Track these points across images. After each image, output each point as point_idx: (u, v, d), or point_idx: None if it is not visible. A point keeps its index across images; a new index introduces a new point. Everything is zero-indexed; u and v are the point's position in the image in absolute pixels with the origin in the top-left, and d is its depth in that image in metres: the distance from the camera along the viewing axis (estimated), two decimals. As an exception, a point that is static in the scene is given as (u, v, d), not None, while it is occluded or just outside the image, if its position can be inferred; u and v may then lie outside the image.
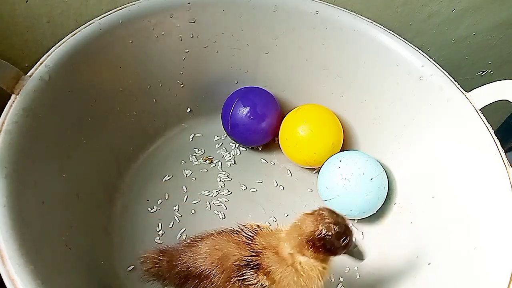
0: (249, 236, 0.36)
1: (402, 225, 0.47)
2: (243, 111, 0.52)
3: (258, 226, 0.38)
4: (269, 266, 0.34)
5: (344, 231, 0.33)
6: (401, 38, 0.47)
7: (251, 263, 0.35)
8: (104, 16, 0.44)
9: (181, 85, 0.54)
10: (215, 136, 0.57)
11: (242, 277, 0.35)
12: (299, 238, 0.33)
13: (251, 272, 0.35)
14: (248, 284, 0.35)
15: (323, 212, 0.33)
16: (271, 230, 0.37)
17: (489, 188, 0.38)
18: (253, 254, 0.35)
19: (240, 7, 0.49)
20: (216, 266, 0.35)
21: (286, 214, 0.51)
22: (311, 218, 0.33)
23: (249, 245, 0.36)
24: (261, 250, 0.35)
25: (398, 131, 0.49)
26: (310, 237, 0.33)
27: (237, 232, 0.37)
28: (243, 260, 0.35)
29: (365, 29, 0.48)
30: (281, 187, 0.54)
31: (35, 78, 0.37)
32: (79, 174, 0.43)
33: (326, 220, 0.33)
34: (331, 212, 0.34)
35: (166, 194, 0.51)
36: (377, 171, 0.48)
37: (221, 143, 0.57)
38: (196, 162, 0.54)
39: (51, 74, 0.38)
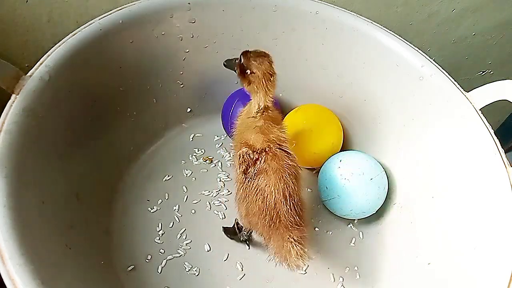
0: None
1: (402, 225, 0.47)
2: (243, 111, 0.52)
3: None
4: None
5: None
6: (401, 38, 0.47)
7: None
8: (104, 16, 0.44)
9: (181, 85, 0.54)
10: (215, 136, 0.57)
11: None
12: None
13: None
14: None
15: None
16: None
17: (489, 188, 0.38)
18: None
19: (240, 7, 0.49)
20: None
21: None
22: None
23: None
24: None
25: (398, 131, 0.49)
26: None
27: None
28: None
29: (365, 29, 0.48)
30: (281, 187, 0.54)
31: (35, 78, 0.37)
32: (79, 174, 0.43)
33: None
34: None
35: (166, 194, 0.51)
36: (377, 171, 0.48)
37: (221, 143, 0.57)
38: (196, 162, 0.54)
39: (51, 74, 0.38)
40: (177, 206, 0.50)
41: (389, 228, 0.49)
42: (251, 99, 0.40)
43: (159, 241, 0.47)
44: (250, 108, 0.40)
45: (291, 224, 0.37)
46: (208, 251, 0.47)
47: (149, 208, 0.49)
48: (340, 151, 0.53)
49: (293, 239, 0.37)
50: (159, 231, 0.47)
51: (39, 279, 0.29)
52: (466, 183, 0.41)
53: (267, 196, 0.37)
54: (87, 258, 0.40)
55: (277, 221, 0.37)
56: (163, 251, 0.46)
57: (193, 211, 0.50)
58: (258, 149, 0.38)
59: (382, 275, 0.46)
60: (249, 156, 0.38)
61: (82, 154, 0.44)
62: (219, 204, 0.51)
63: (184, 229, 0.48)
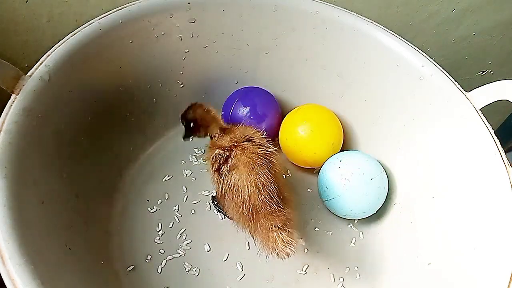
0: None
1: (402, 225, 0.47)
2: (243, 111, 0.52)
3: None
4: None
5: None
6: (401, 38, 0.47)
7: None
8: (104, 16, 0.44)
9: (181, 85, 0.54)
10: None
11: None
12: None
13: None
14: None
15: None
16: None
17: (489, 188, 0.38)
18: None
19: (240, 7, 0.49)
20: None
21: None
22: None
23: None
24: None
25: (398, 131, 0.49)
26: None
27: None
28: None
29: (365, 29, 0.48)
30: (281, 187, 0.54)
31: (35, 78, 0.37)
32: (79, 174, 0.43)
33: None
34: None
35: (166, 194, 0.51)
36: (377, 171, 0.48)
37: (221, 143, 0.57)
38: (196, 162, 0.54)
39: (51, 74, 0.38)
40: (177, 206, 0.50)
41: (389, 228, 0.49)
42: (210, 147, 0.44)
43: (159, 241, 0.47)
44: (211, 142, 0.44)
45: (270, 213, 0.36)
46: (208, 251, 0.47)
47: (149, 208, 0.49)
48: (340, 151, 0.53)
49: (277, 227, 0.36)
50: (159, 231, 0.47)
51: (39, 279, 0.29)
52: (466, 183, 0.41)
53: (241, 191, 0.37)
54: (87, 258, 0.40)
55: (255, 214, 0.37)
56: (163, 251, 0.46)
57: (193, 211, 0.50)
58: (227, 147, 0.40)
59: (382, 275, 0.46)
60: (220, 155, 0.40)
61: (82, 154, 0.44)
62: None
63: (184, 229, 0.48)
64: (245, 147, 0.40)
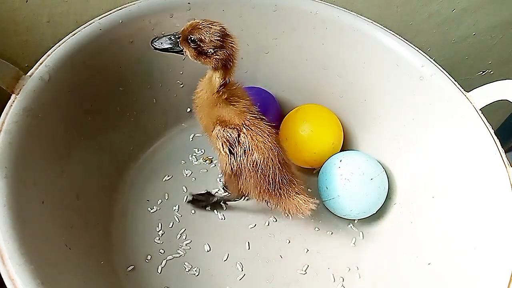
0: None
1: (402, 225, 0.47)
2: (243, 111, 0.52)
3: None
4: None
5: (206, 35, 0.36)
6: (401, 38, 0.47)
7: None
8: (104, 16, 0.44)
9: (181, 85, 0.54)
10: (215, 136, 0.57)
11: None
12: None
13: None
14: None
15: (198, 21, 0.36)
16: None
17: (489, 188, 0.38)
18: None
19: (240, 7, 0.49)
20: None
21: (286, 214, 0.51)
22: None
23: None
24: None
25: (398, 131, 0.49)
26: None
27: None
28: None
29: (365, 29, 0.48)
30: (281, 187, 0.54)
31: (35, 78, 0.37)
32: (79, 174, 0.43)
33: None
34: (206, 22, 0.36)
35: (166, 194, 0.51)
36: (377, 171, 0.48)
37: (221, 143, 0.57)
38: (196, 162, 0.54)
39: (51, 74, 0.38)
40: (177, 206, 0.50)
41: (389, 228, 0.49)
42: (208, 73, 0.40)
43: (159, 241, 0.47)
44: (210, 84, 0.40)
45: (289, 183, 0.41)
46: (208, 251, 0.47)
47: (149, 208, 0.49)
48: (340, 151, 0.53)
49: (296, 192, 0.41)
50: (159, 231, 0.47)
51: (39, 279, 0.29)
52: (466, 183, 0.41)
53: (265, 168, 0.40)
54: (87, 258, 0.40)
55: (277, 187, 0.41)
56: (163, 251, 0.46)
57: (193, 211, 0.50)
58: (237, 124, 0.40)
59: (382, 275, 0.46)
60: (230, 135, 0.40)
61: (82, 154, 0.44)
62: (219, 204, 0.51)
63: (184, 229, 0.48)
64: (255, 124, 0.40)
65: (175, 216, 0.49)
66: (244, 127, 0.40)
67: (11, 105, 0.35)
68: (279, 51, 0.53)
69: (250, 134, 0.39)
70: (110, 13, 0.44)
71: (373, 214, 0.49)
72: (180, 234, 0.47)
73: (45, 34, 0.52)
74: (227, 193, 0.50)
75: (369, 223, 0.51)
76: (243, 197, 0.48)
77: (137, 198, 0.50)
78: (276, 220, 0.50)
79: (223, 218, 0.50)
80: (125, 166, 0.51)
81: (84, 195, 0.43)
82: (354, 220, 0.51)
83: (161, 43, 0.38)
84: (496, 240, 0.36)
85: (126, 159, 0.51)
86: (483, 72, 0.73)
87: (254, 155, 0.39)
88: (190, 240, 0.47)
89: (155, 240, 0.47)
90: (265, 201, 0.43)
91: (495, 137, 0.40)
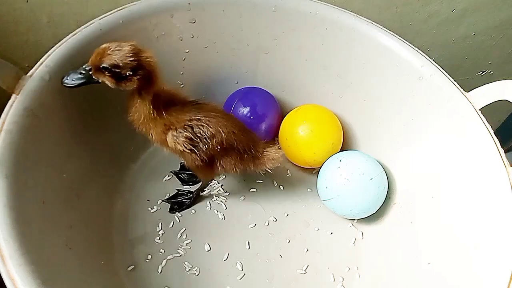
0: None
1: (402, 225, 0.47)
2: (243, 111, 0.52)
3: None
4: None
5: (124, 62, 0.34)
6: (401, 38, 0.47)
7: None
8: (105, 16, 0.44)
9: (181, 85, 0.54)
10: (215, 136, 0.57)
11: None
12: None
13: None
14: None
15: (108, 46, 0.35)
16: None
17: (489, 188, 0.38)
18: None
19: (240, 7, 0.49)
20: None
21: (286, 214, 0.51)
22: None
23: None
24: None
25: (398, 131, 0.49)
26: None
27: None
28: None
29: (365, 29, 0.48)
30: (281, 187, 0.54)
31: (35, 78, 0.37)
32: (79, 174, 0.43)
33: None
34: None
35: (166, 194, 0.51)
36: (377, 171, 0.48)
37: (221, 143, 0.57)
38: (196, 162, 0.54)
39: (52, 74, 0.38)
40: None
41: (389, 228, 0.49)
42: (135, 96, 0.39)
43: (159, 241, 0.47)
44: (143, 105, 0.39)
45: (255, 143, 0.44)
46: (208, 251, 0.47)
47: (149, 208, 0.49)
48: (340, 151, 0.53)
49: (263, 148, 0.44)
50: (159, 231, 0.47)
51: (39, 279, 0.29)
52: (466, 183, 0.41)
53: (230, 141, 0.42)
54: (87, 258, 0.40)
55: (248, 148, 0.44)
56: (163, 251, 0.46)
57: (193, 211, 0.50)
58: (186, 120, 0.41)
59: (382, 275, 0.46)
60: (186, 133, 0.41)
61: (82, 154, 0.44)
62: (219, 204, 0.51)
63: (184, 229, 0.48)
64: (198, 111, 0.41)
65: (175, 216, 0.49)
66: (194, 119, 0.41)
67: (12, 105, 0.35)
68: (279, 51, 0.53)
69: (201, 123, 0.41)
70: (111, 14, 0.44)
71: (373, 214, 0.49)
72: (180, 234, 0.48)
73: (45, 34, 0.52)
74: (196, 183, 0.52)
75: (369, 223, 0.51)
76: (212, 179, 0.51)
77: (137, 198, 0.50)
78: (276, 220, 0.50)
79: (223, 218, 0.50)
80: (125, 166, 0.51)
81: (84, 195, 0.43)
82: (354, 220, 0.51)
83: (73, 80, 0.35)
84: (495, 240, 0.36)
85: (126, 159, 0.52)
86: (482, 72, 0.73)
87: (216, 138, 0.41)
88: (190, 240, 0.47)
89: (156, 239, 0.47)
90: (246, 169, 0.45)
91: (495, 137, 0.40)
